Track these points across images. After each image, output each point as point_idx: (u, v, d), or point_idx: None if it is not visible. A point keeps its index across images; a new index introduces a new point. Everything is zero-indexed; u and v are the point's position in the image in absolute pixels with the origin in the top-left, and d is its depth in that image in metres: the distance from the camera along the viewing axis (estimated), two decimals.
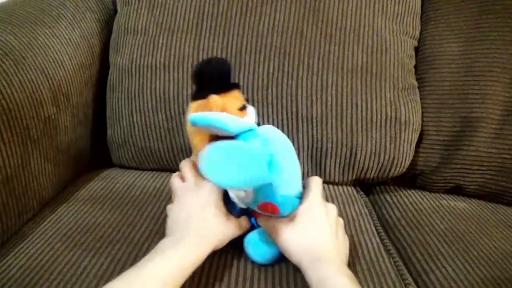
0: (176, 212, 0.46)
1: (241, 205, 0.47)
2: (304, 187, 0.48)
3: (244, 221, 0.48)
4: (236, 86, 0.50)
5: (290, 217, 0.45)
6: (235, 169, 0.35)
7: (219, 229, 0.44)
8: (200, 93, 0.48)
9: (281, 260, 0.49)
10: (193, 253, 0.40)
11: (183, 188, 0.48)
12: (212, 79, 0.48)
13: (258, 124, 0.47)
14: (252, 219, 0.50)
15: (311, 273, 0.40)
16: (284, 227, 0.45)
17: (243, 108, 0.49)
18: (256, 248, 0.48)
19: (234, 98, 0.49)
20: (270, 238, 0.47)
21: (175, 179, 0.50)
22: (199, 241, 0.41)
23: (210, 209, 0.45)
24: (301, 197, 0.47)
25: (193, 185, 0.47)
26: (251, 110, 0.51)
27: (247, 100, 0.51)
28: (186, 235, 0.42)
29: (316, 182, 0.48)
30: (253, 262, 0.48)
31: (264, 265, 0.48)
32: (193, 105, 0.48)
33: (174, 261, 0.39)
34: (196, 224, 0.43)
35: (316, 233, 0.44)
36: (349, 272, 0.40)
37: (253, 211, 0.48)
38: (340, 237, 0.45)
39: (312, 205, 0.46)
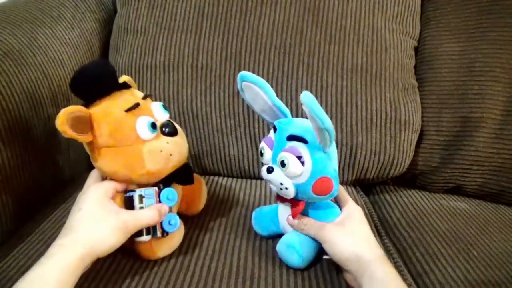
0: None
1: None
2: None
3: (151, 211, 0.44)
4: (124, 86, 0.47)
5: (337, 221, 0.47)
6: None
7: (88, 233, 0.41)
8: (85, 103, 0.45)
9: (278, 260, 0.49)
10: (55, 262, 0.37)
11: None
12: (85, 86, 0.44)
13: None
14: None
15: (375, 269, 0.41)
16: (335, 229, 0.46)
17: (134, 107, 0.44)
18: (299, 252, 0.46)
19: (120, 99, 0.45)
20: (308, 242, 0.47)
21: None
22: (56, 250, 0.39)
23: (79, 212, 0.42)
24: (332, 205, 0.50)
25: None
26: (156, 107, 0.47)
27: (148, 95, 0.48)
28: (55, 243, 0.40)
29: (343, 190, 0.51)
30: (253, 261, 0.48)
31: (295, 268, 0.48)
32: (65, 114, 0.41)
33: (47, 266, 0.37)
34: (64, 230, 0.42)
35: (367, 233, 0.46)
36: None
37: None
38: None
39: (355, 209, 0.49)
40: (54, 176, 0.64)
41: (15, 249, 0.50)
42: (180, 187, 0.52)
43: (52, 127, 0.62)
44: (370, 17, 0.72)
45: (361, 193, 0.73)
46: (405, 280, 0.50)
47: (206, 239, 0.52)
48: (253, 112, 0.69)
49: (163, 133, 0.46)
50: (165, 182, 0.48)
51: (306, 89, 0.69)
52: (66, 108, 0.41)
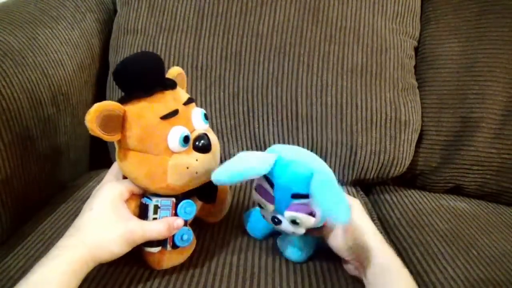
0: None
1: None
2: None
3: (160, 224, 0.42)
4: (167, 86, 0.43)
5: None
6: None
7: (94, 236, 0.40)
8: (124, 97, 0.42)
9: (278, 260, 0.49)
10: (58, 264, 0.37)
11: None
12: (128, 81, 0.41)
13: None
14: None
15: (378, 255, 0.42)
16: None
17: (170, 115, 0.41)
18: (299, 246, 0.48)
19: (159, 102, 0.42)
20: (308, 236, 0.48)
21: None
22: (60, 251, 0.38)
23: (89, 213, 0.41)
24: None
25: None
26: (196, 115, 0.44)
27: (191, 100, 0.45)
28: (59, 243, 0.39)
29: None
30: (252, 261, 0.48)
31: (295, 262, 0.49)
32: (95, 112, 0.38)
33: (47, 267, 0.37)
34: (72, 229, 0.41)
35: (365, 222, 0.46)
36: None
37: None
38: None
39: (353, 200, 0.49)
40: (54, 176, 0.64)
41: (15, 249, 0.50)
42: None
43: (52, 127, 0.62)
44: (370, 17, 0.72)
45: (361, 193, 0.73)
46: None
47: (206, 239, 0.52)
48: (253, 112, 0.70)
49: (195, 148, 0.42)
50: (185, 193, 0.44)
51: (306, 89, 0.69)
52: (99, 104, 0.38)
